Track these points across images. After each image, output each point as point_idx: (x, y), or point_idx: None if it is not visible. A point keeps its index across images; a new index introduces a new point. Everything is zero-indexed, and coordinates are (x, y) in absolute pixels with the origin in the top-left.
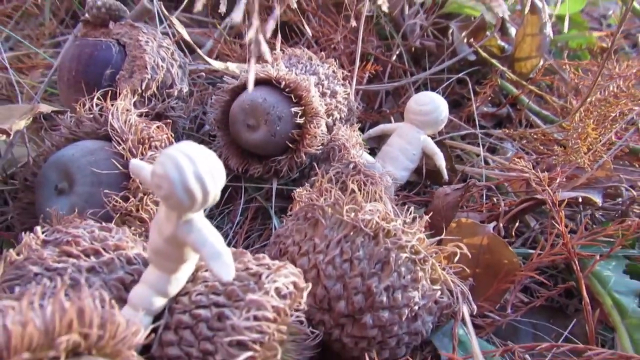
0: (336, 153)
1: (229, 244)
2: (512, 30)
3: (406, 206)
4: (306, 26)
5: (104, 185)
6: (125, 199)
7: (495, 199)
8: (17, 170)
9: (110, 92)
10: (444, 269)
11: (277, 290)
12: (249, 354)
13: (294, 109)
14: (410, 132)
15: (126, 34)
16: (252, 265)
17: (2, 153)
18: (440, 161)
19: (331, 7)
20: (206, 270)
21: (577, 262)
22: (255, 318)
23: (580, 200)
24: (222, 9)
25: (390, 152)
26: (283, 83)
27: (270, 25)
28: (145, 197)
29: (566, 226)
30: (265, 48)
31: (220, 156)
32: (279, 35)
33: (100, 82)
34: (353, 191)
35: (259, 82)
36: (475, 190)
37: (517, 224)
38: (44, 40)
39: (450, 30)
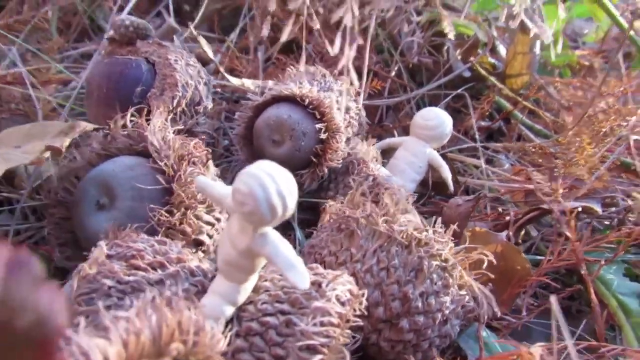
0: (355, 166)
1: None
2: (501, 48)
3: (434, 217)
4: (324, 47)
5: (146, 200)
6: (170, 213)
7: (500, 209)
8: (42, 183)
9: (142, 109)
10: (469, 276)
11: (338, 298)
12: (319, 357)
13: (318, 125)
14: (416, 145)
15: (155, 53)
16: (311, 271)
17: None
18: (447, 173)
19: (332, 25)
20: (266, 281)
21: (585, 267)
22: (322, 324)
23: (580, 209)
24: (265, 32)
25: (397, 165)
26: (307, 100)
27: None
28: (189, 211)
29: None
30: (353, 75)
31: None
32: (304, 55)
33: (131, 99)
34: (386, 204)
35: (282, 99)
36: (484, 201)
37: (522, 232)
38: (54, 55)
39: (445, 48)
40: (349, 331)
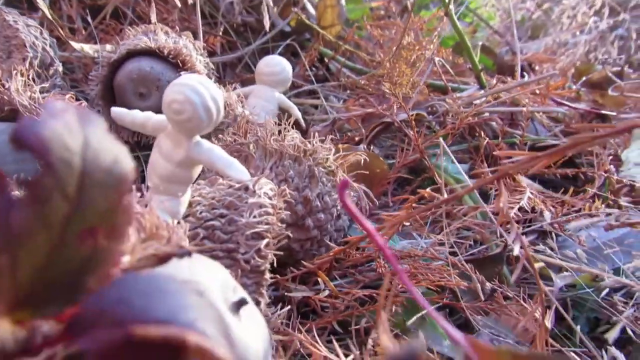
0: (228, 113)
1: None
2: (308, 5)
3: (313, 131)
4: (153, 9)
5: (28, 161)
6: None
7: (349, 134)
8: None
9: None
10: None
11: (266, 193)
12: (265, 241)
13: (182, 73)
14: (265, 91)
15: None
16: (232, 183)
17: None
18: (297, 112)
19: None
20: (196, 197)
21: (427, 159)
22: (260, 215)
23: (413, 116)
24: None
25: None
26: (166, 51)
27: None
28: None
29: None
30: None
31: (110, 129)
32: (153, 6)
33: None
34: (270, 128)
35: (137, 54)
36: (337, 125)
37: (371, 147)
38: None
39: (263, 6)
40: (280, 223)
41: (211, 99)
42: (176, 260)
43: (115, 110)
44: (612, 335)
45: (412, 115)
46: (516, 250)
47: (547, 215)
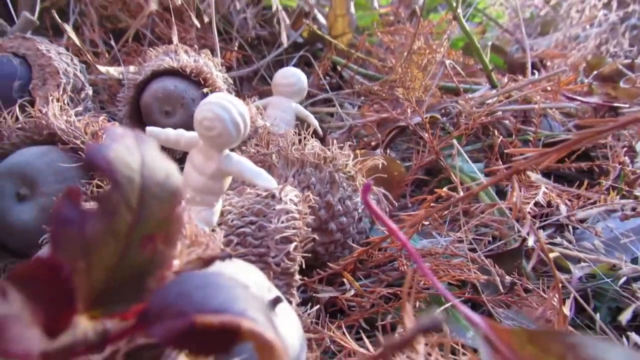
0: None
1: None
2: (319, 16)
3: (331, 138)
4: (174, 31)
5: (70, 181)
6: (100, 186)
7: (365, 139)
8: None
9: (30, 102)
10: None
11: (291, 200)
12: (294, 244)
13: (204, 90)
14: (282, 102)
15: (22, 46)
16: (260, 192)
17: None
18: (314, 121)
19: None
20: (227, 207)
21: (442, 159)
22: (287, 220)
23: (427, 119)
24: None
25: (271, 122)
26: (188, 70)
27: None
28: None
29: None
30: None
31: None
32: (175, 29)
33: (11, 95)
34: (290, 138)
35: (160, 74)
36: (353, 131)
37: (388, 151)
38: None
39: (275, 19)
40: (306, 228)
41: (239, 114)
42: (218, 263)
43: (150, 130)
44: (625, 316)
45: (426, 118)
46: (531, 242)
47: (562, 208)
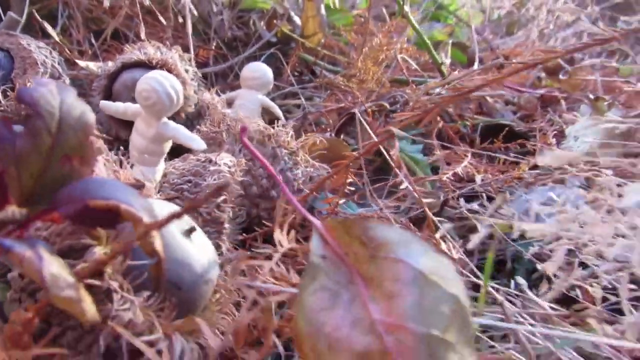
0: (206, 110)
1: None
2: (296, 18)
3: (277, 120)
4: (142, 28)
5: None
6: None
7: (322, 126)
8: None
9: (10, 89)
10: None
11: (226, 164)
12: (223, 197)
13: None
14: (249, 94)
15: (6, 41)
16: (200, 157)
17: None
18: (278, 111)
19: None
20: (169, 169)
21: (385, 142)
22: (219, 178)
23: (372, 107)
24: None
25: (239, 113)
26: (154, 62)
27: None
28: None
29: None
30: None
31: (110, 131)
32: (142, 26)
33: None
34: (240, 118)
35: (131, 66)
36: (314, 119)
37: (341, 135)
38: None
39: (251, 21)
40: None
41: (171, 87)
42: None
43: (103, 103)
44: (475, 241)
45: (373, 105)
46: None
47: (478, 178)
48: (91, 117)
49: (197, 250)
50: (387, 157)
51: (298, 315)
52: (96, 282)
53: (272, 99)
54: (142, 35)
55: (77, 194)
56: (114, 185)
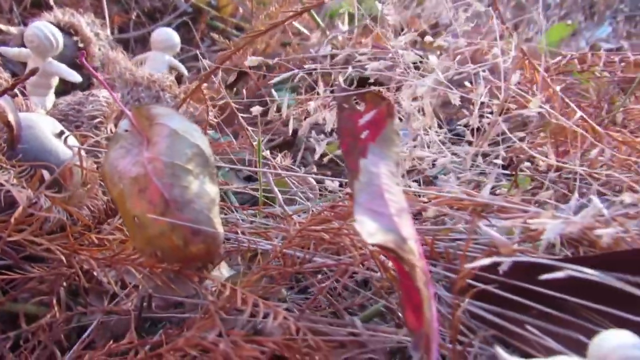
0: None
1: None
2: None
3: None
4: None
5: None
6: None
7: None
8: None
9: None
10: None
11: (104, 97)
12: (98, 119)
13: (74, 38)
14: (157, 56)
15: None
16: (86, 94)
17: None
18: (183, 70)
19: None
20: (61, 104)
21: (264, 90)
22: (95, 106)
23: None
24: None
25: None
26: (62, 23)
27: None
28: None
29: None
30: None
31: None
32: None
33: None
34: (130, 66)
35: None
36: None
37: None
38: None
39: None
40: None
41: (50, 33)
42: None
43: (2, 49)
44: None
45: (255, 61)
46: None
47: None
48: None
49: (64, 147)
50: (268, 100)
51: (104, 164)
52: None
53: (182, 61)
54: (51, 2)
55: None
56: None
